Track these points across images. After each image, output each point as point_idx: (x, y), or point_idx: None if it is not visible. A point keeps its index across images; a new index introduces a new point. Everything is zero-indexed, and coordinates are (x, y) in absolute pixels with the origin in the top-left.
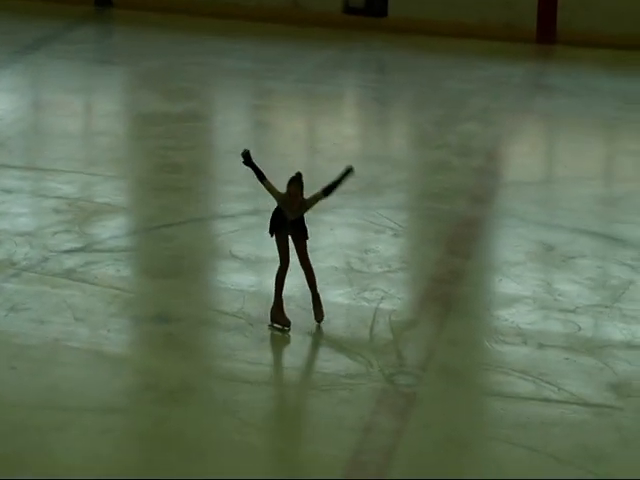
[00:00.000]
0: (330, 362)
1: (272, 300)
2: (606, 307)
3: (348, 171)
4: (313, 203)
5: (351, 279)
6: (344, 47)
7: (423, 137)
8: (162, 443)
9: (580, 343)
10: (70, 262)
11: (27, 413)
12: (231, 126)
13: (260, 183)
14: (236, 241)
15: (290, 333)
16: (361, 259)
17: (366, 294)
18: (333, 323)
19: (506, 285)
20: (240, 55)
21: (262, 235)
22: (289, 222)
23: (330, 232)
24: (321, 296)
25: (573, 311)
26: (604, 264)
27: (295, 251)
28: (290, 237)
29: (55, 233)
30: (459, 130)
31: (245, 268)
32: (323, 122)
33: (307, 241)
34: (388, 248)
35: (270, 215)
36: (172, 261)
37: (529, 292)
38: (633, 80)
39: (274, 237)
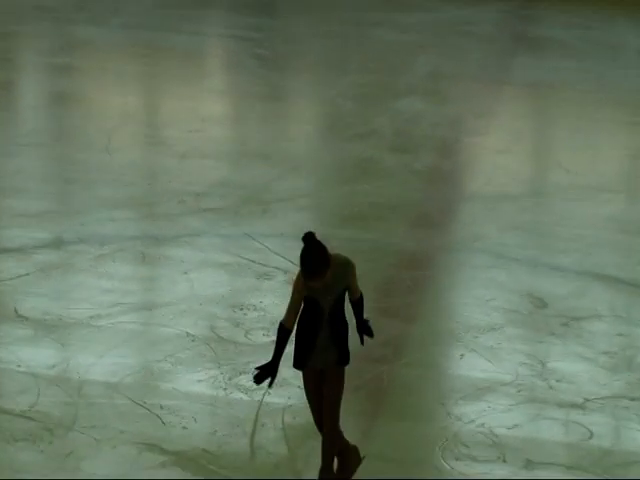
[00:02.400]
0: None
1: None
2: (633, 400)
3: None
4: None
5: (218, 355)
6: None
7: (337, 120)
8: None
9: (592, 459)
10: None
11: None
12: (17, 100)
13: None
14: (25, 292)
15: (116, 441)
16: (235, 322)
17: (243, 380)
18: (188, 428)
19: (472, 364)
20: None
21: (67, 281)
22: (326, 317)
23: (184, 277)
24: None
25: (581, 406)
26: (630, 330)
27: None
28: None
29: None
30: (395, 108)
31: (40, 336)
32: (171, 95)
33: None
34: (279, 303)
35: None
36: None
37: (509, 375)
38: None
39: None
